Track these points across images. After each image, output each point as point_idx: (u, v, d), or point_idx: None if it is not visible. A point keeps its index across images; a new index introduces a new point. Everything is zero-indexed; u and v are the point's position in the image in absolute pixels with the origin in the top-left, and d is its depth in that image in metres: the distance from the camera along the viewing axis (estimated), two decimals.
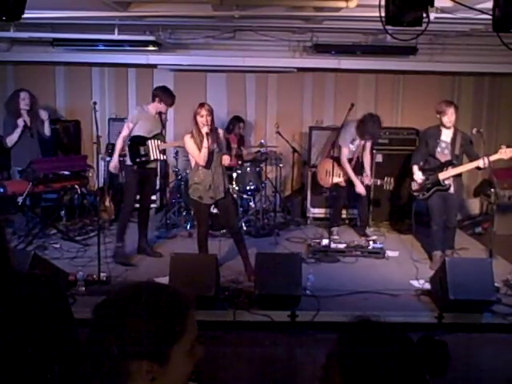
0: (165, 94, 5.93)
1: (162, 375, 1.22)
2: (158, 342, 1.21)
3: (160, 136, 6.02)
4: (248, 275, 5.35)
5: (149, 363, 1.20)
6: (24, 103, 6.69)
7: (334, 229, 7.03)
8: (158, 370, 1.21)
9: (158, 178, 8.02)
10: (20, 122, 6.62)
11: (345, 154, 6.72)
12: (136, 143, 5.91)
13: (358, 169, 6.90)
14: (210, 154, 5.22)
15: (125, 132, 5.90)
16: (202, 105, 5.22)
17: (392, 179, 6.58)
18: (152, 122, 5.95)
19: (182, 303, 1.28)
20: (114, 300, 1.27)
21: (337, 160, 6.82)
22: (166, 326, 1.22)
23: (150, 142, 5.92)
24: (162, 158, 6.16)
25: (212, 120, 5.18)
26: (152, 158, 5.98)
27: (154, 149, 5.96)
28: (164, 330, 1.21)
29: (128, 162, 5.94)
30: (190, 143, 5.22)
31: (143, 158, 5.93)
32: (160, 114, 6.05)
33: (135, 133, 5.90)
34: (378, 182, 6.63)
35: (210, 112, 5.15)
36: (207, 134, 5.09)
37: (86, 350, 1.25)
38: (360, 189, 6.71)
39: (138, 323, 1.20)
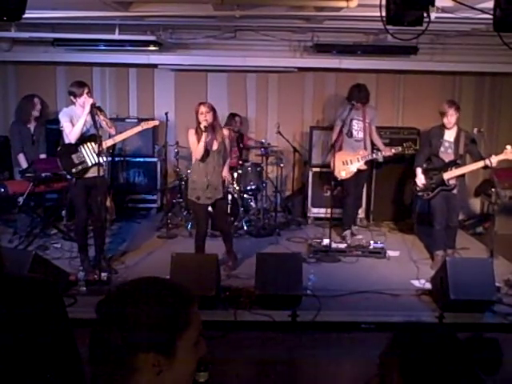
0: (73, 87, 5.35)
1: (168, 369, 1.21)
2: (163, 334, 1.20)
3: (93, 137, 5.28)
4: (227, 265, 5.66)
5: (155, 356, 1.20)
6: (36, 109, 6.72)
7: (347, 232, 6.89)
8: (164, 363, 1.21)
9: (158, 177, 8.05)
10: (22, 161, 6.66)
11: (336, 130, 6.81)
12: (67, 153, 5.36)
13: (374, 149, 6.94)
14: (210, 151, 5.34)
15: (70, 128, 5.28)
16: (201, 103, 5.41)
17: (411, 143, 6.61)
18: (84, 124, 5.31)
19: (185, 296, 1.28)
20: (117, 294, 1.27)
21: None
22: (170, 317, 1.22)
23: (81, 147, 5.36)
24: (102, 160, 5.39)
25: (213, 117, 5.32)
26: (90, 164, 5.34)
27: (89, 153, 5.35)
28: (168, 322, 1.21)
29: (68, 176, 5.48)
30: (191, 137, 5.38)
31: (80, 167, 5.35)
32: (91, 110, 5.26)
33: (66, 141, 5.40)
34: (400, 149, 6.57)
35: (210, 109, 5.31)
36: (205, 127, 5.22)
37: (91, 345, 1.24)
38: (386, 150, 6.72)
39: (142, 315, 1.20)
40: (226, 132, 5.62)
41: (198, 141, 5.29)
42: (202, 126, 5.23)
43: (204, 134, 5.25)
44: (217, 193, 5.45)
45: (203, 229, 5.56)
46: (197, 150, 5.32)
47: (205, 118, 5.24)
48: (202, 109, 5.29)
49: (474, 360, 1.26)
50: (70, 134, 5.30)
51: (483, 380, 1.26)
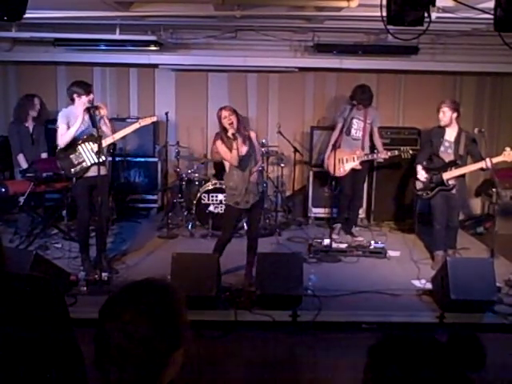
0: (76, 86, 5.37)
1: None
2: (181, 332, 1.37)
3: (92, 136, 5.32)
4: (247, 282, 5.28)
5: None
6: (35, 109, 6.73)
7: (337, 225, 7.05)
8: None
9: (159, 177, 8.05)
10: (21, 161, 6.64)
11: (338, 127, 6.88)
12: (65, 154, 5.40)
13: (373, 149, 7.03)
14: (244, 156, 5.16)
15: (64, 131, 5.32)
16: (223, 108, 5.21)
17: (408, 148, 6.68)
18: (81, 124, 5.35)
19: (183, 296, 1.44)
20: (110, 306, 1.39)
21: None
22: (182, 318, 1.39)
23: (79, 147, 5.38)
24: (102, 160, 5.31)
25: (238, 121, 5.14)
26: (89, 164, 5.36)
27: (88, 153, 5.36)
28: (183, 321, 1.38)
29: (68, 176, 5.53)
30: (221, 148, 5.16)
31: (78, 167, 5.38)
32: (88, 110, 5.28)
33: None
34: (396, 152, 6.63)
35: (232, 111, 5.14)
36: (233, 135, 5.04)
37: (95, 345, 1.33)
38: (383, 153, 6.77)
39: (170, 318, 1.35)
40: (253, 134, 5.40)
41: (229, 148, 5.11)
42: (230, 134, 5.04)
43: (234, 142, 5.04)
44: (254, 196, 5.27)
45: (228, 234, 5.36)
46: (232, 158, 5.10)
47: (230, 122, 5.06)
48: (225, 113, 5.10)
49: (459, 362, 1.22)
50: (62, 138, 5.30)
51: (470, 379, 1.22)
